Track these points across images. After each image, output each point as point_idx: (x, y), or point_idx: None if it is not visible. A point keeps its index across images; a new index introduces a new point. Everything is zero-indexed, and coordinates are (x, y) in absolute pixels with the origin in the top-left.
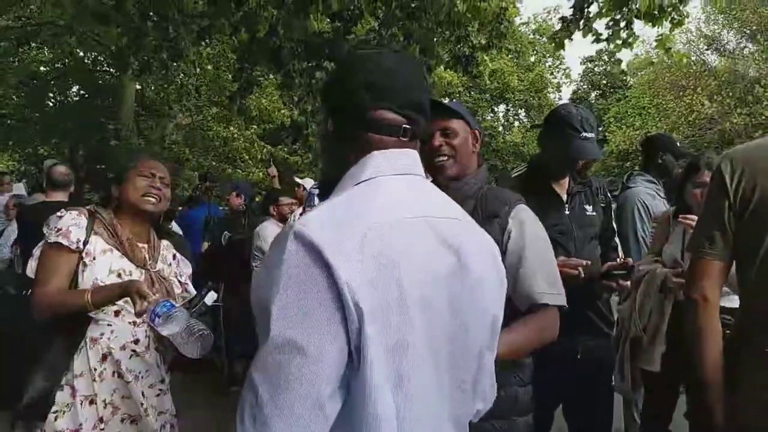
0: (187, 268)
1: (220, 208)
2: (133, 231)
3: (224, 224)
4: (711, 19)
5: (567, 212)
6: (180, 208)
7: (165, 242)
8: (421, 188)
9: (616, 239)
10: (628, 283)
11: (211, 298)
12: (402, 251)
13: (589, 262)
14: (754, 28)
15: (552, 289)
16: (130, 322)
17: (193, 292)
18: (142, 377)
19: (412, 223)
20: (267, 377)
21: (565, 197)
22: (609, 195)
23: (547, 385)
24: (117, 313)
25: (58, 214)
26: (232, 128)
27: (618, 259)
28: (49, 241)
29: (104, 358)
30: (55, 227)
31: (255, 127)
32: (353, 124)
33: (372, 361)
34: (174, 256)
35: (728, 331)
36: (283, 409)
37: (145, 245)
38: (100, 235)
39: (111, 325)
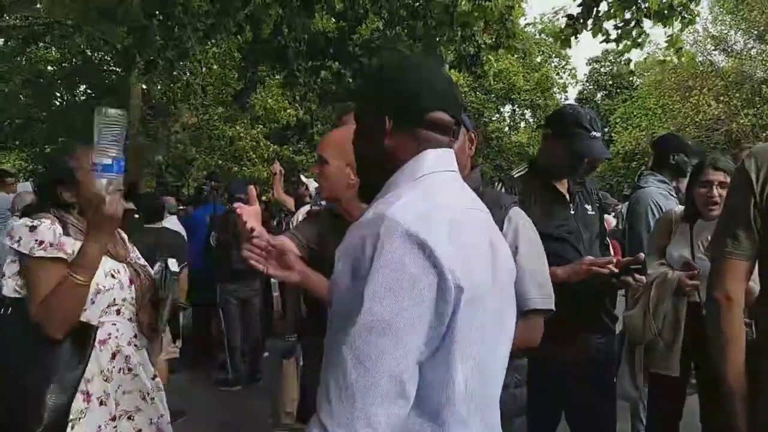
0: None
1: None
2: None
3: (223, 223)
4: (718, 19)
5: (572, 212)
6: (182, 207)
7: (125, 236)
8: (460, 184)
9: (607, 239)
10: (644, 277)
11: (174, 264)
12: (478, 239)
13: (613, 260)
14: (761, 28)
15: (541, 294)
16: (128, 319)
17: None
18: (144, 368)
19: (475, 214)
20: (356, 356)
21: (568, 197)
22: (600, 195)
23: (555, 386)
24: (119, 312)
25: (29, 223)
26: (238, 127)
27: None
28: (38, 255)
29: (113, 356)
30: (38, 240)
31: (261, 126)
32: (413, 123)
33: (460, 341)
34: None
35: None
36: (370, 386)
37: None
38: (79, 240)
39: (116, 324)
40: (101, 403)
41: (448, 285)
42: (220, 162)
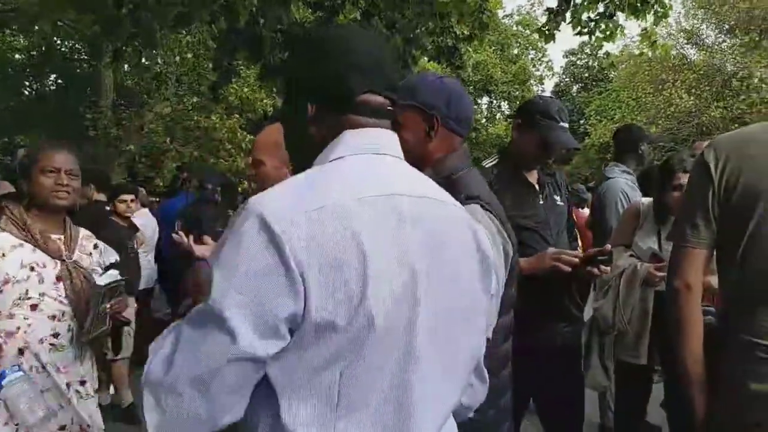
0: (112, 257)
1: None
2: (46, 224)
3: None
4: (690, 13)
5: (541, 202)
6: (155, 199)
7: (85, 232)
8: (392, 167)
9: (576, 230)
10: (609, 269)
11: (111, 276)
12: (359, 229)
13: (579, 254)
14: (732, 23)
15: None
16: (49, 317)
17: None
18: (62, 371)
19: (373, 201)
20: (190, 335)
21: (537, 187)
22: (570, 187)
23: (523, 374)
24: (34, 307)
25: None
26: (213, 117)
27: (579, 249)
28: None
29: (21, 352)
30: None
31: (237, 116)
32: (338, 108)
33: (310, 339)
34: (95, 246)
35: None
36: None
37: (61, 236)
38: (9, 231)
39: (28, 319)
40: None
41: (295, 276)
42: (195, 153)
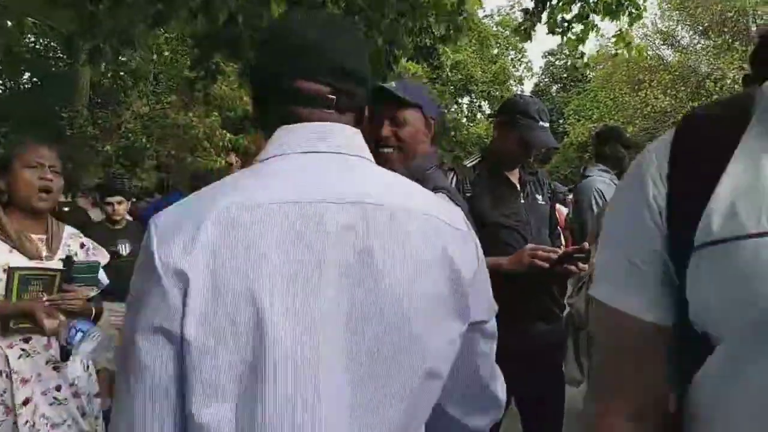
0: (101, 258)
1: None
2: (24, 223)
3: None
4: (666, 15)
5: (522, 201)
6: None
7: (70, 230)
8: (330, 167)
9: (558, 229)
10: (587, 266)
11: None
12: (251, 243)
13: (560, 250)
14: (706, 24)
15: None
16: None
17: (106, 281)
18: (33, 381)
19: (275, 209)
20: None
21: (518, 186)
22: (552, 186)
23: (505, 375)
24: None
25: None
26: (191, 114)
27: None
28: None
29: None
30: None
31: (216, 114)
32: (277, 98)
33: (193, 369)
34: (82, 245)
35: None
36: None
37: (43, 236)
38: None
39: None
40: None
41: (169, 298)
42: (173, 151)
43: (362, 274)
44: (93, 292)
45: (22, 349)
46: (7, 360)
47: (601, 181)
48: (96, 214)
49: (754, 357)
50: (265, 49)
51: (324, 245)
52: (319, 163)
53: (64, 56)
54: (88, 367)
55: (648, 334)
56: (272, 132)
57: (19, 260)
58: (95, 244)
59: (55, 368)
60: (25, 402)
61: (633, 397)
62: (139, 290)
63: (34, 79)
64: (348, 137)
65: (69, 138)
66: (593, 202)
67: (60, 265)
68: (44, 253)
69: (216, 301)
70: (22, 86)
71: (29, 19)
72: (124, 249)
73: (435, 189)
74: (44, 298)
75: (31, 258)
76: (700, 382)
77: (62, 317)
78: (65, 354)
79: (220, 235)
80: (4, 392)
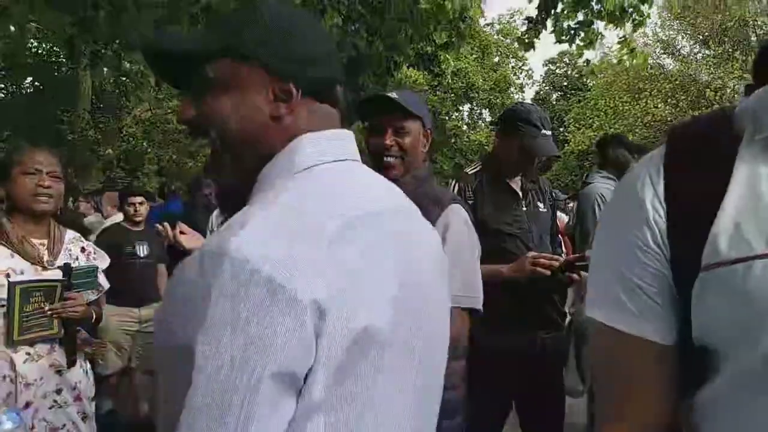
0: (102, 262)
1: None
2: (26, 228)
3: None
4: (666, 24)
5: (524, 208)
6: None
7: (72, 235)
8: (365, 176)
9: (560, 237)
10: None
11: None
12: (372, 250)
13: (561, 258)
14: (707, 34)
15: (467, 292)
16: None
17: (106, 285)
18: (35, 385)
19: (374, 217)
20: None
21: (520, 194)
22: (553, 194)
23: (504, 382)
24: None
25: None
26: None
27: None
28: None
29: None
30: None
31: None
32: (323, 98)
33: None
34: (83, 249)
35: None
36: None
37: (44, 241)
38: None
39: (3, 327)
40: None
41: (307, 328)
42: (174, 156)
43: (411, 276)
44: (93, 296)
45: (27, 353)
46: (13, 364)
47: (604, 187)
48: (97, 218)
49: (766, 388)
50: (316, 47)
51: (400, 242)
52: (361, 171)
53: (66, 61)
54: (87, 371)
55: (652, 355)
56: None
57: (20, 265)
58: (96, 247)
59: (57, 372)
60: (26, 406)
61: (638, 418)
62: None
63: (36, 84)
64: (353, 141)
65: (70, 142)
66: (596, 208)
67: (59, 274)
68: (45, 258)
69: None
70: (24, 91)
71: (32, 24)
72: (142, 251)
73: (453, 200)
74: (46, 308)
75: (32, 263)
76: (705, 405)
77: None
78: (72, 361)
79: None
80: (8, 396)
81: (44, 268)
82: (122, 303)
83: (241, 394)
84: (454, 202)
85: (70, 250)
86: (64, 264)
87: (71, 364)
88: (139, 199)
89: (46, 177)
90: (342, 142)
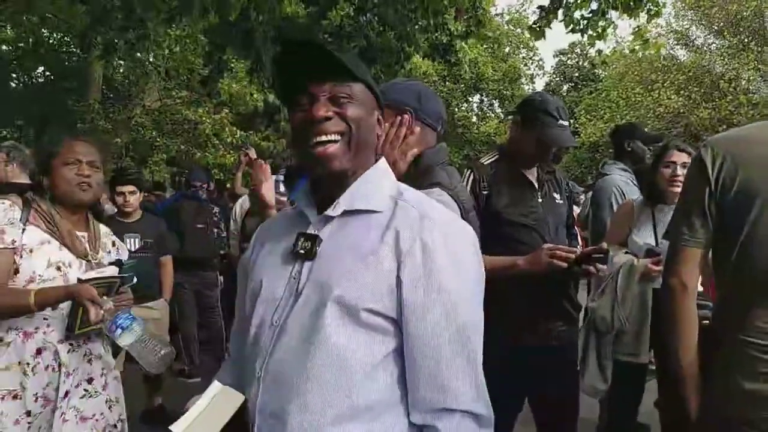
0: (124, 253)
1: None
2: (71, 220)
3: (173, 211)
4: (680, 14)
5: (540, 199)
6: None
7: (105, 229)
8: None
9: (575, 229)
10: (606, 266)
11: (100, 272)
12: None
13: (576, 249)
14: (721, 24)
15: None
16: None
17: (134, 279)
18: (75, 374)
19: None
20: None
21: (536, 185)
22: (569, 185)
23: (517, 376)
24: (54, 307)
25: None
26: (200, 111)
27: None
28: None
29: (39, 351)
30: None
31: (226, 111)
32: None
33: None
34: (113, 243)
35: (704, 321)
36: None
37: (85, 234)
38: (37, 225)
39: (47, 319)
40: (15, 397)
41: None
42: (182, 147)
43: None
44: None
45: (71, 344)
46: (57, 354)
47: (621, 180)
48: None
49: None
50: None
51: None
52: None
53: (78, 50)
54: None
55: None
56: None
57: (68, 258)
58: (119, 241)
59: (88, 361)
60: (66, 395)
61: None
62: None
63: (47, 74)
64: None
65: (81, 132)
66: (613, 201)
67: (115, 270)
68: (89, 252)
69: None
70: (35, 80)
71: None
72: (133, 244)
73: (429, 185)
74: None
75: (79, 256)
76: None
77: (109, 304)
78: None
79: None
80: (48, 385)
81: (88, 262)
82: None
83: None
84: (431, 186)
85: (105, 243)
86: (117, 259)
87: (114, 356)
88: (129, 188)
89: (85, 166)
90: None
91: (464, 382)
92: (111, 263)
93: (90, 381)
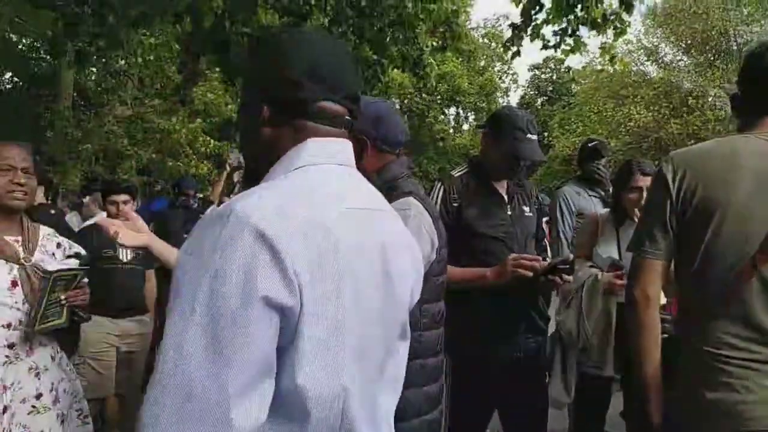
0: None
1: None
2: (1, 225)
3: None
4: (650, 31)
5: (509, 212)
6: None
7: (47, 231)
8: (353, 179)
9: (545, 241)
10: (571, 278)
11: (65, 264)
12: (340, 241)
13: (540, 258)
14: (689, 42)
15: None
16: (3, 325)
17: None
18: (13, 389)
19: (349, 213)
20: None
21: (506, 197)
22: (539, 198)
23: (486, 387)
24: None
25: None
26: (173, 119)
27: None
28: None
29: None
30: None
31: (200, 120)
32: (294, 113)
33: (304, 351)
34: (59, 245)
35: (666, 327)
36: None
37: (18, 238)
38: None
39: None
40: None
41: (294, 290)
42: (154, 155)
43: (385, 264)
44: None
45: (6, 356)
46: None
47: (571, 190)
48: (76, 217)
49: None
50: (293, 67)
51: (372, 240)
52: (348, 176)
53: (48, 57)
54: (71, 369)
55: None
56: (281, 137)
57: None
58: (71, 242)
59: (36, 375)
60: (4, 410)
61: None
62: None
63: (15, 79)
64: (351, 152)
65: (50, 139)
66: (558, 208)
67: (76, 263)
68: (21, 255)
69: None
70: (3, 86)
71: (16, 20)
72: (125, 254)
73: (403, 193)
74: (62, 297)
75: (8, 261)
76: None
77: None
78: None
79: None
80: None
81: (20, 266)
82: (101, 313)
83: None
84: (405, 195)
85: (45, 246)
86: (75, 253)
87: (71, 353)
88: (123, 197)
89: (20, 174)
90: (329, 148)
91: None
92: (69, 256)
93: (38, 397)
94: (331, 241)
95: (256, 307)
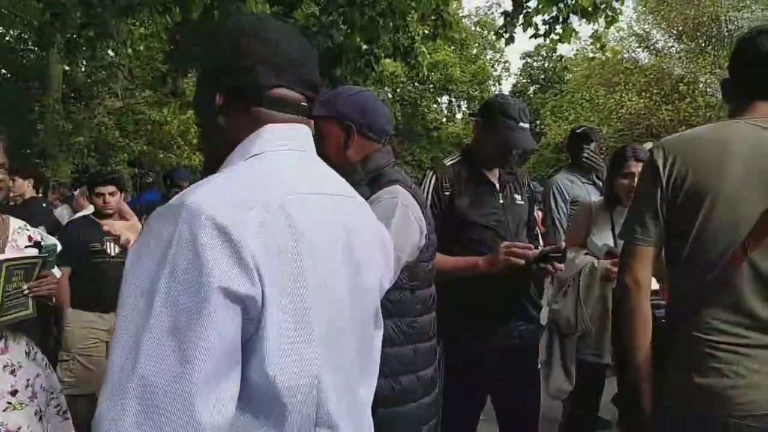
0: (50, 242)
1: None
2: None
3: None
4: (642, 18)
5: (501, 200)
6: None
7: (18, 225)
8: (312, 165)
9: (537, 229)
10: (563, 266)
11: (19, 252)
12: (299, 227)
13: (533, 246)
14: (680, 28)
15: None
16: None
17: (58, 273)
18: None
19: (308, 198)
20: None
21: (498, 186)
22: (531, 186)
23: (479, 374)
24: None
25: None
26: (165, 111)
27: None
28: None
29: None
30: None
31: (191, 111)
32: (248, 100)
33: (270, 341)
34: (29, 238)
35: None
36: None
37: None
38: None
39: None
40: None
41: (255, 280)
42: (145, 147)
43: (349, 250)
44: (57, 274)
45: None
46: None
47: (564, 178)
48: (67, 210)
49: None
50: (248, 54)
51: (333, 225)
52: (305, 161)
53: (37, 48)
54: (47, 365)
55: None
56: (236, 124)
57: None
58: (43, 233)
59: (12, 372)
60: None
61: None
62: None
63: (4, 71)
64: (310, 138)
65: (40, 131)
66: (551, 199)
67: (35, 252)
68: None
69: None
70: None
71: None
72: (113, 248)
73: (389, 182)
74: (24, 287)
75: None
76: None
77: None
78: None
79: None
80: None
81: None
82: (89, 308)
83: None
84: (392, 183)
85: (16, 240)
86: (34, 242)
87: (46, 343)
88: (109, 188)
89: None
90: (286, 135)
91: None
92: (28, 246)
93: (14, 393)
94: (291, 228)
95: (215, 299)
